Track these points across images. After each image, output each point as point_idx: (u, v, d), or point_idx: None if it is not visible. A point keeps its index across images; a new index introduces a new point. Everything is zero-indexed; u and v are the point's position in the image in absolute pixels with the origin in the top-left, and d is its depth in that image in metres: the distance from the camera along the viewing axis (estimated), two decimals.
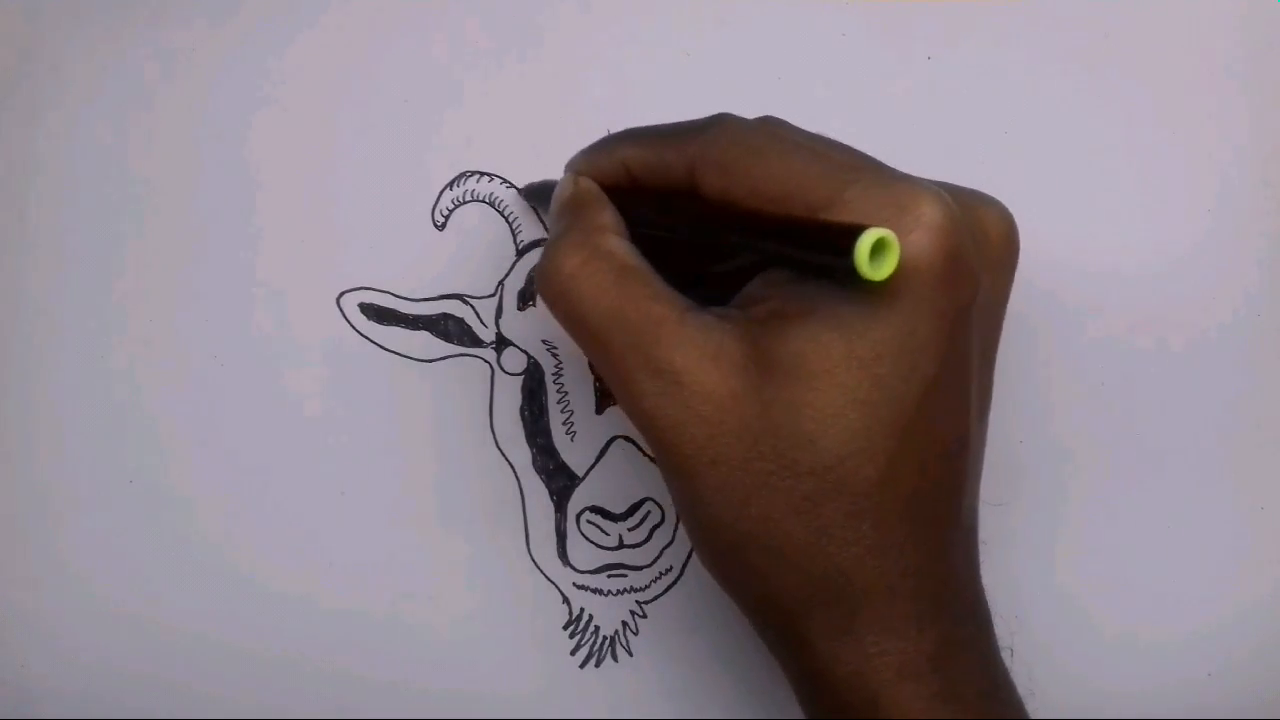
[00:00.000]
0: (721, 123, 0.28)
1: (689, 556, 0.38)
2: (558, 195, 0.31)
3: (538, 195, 0.37)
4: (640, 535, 0.37)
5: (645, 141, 0.30)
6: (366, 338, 0.38)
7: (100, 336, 0.38)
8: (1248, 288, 0.38)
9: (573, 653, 0.37)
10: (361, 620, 0.37)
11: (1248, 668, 0.37)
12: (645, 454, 0.37)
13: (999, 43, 0.39)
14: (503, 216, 0.38)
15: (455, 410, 0.38)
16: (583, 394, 0.38)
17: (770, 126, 0.28)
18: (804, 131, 0.28)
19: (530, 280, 0.38)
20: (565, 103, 0.39)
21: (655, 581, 0.38)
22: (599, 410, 0.38)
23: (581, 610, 0.38)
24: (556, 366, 0.38)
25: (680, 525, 0.37)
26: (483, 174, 0.38)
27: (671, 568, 0.37)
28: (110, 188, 0.39)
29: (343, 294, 0.38)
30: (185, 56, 0.39)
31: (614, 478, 0.37)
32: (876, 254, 0.23)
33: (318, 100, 0.39)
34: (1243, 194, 0.39)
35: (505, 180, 0.38)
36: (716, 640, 0.37)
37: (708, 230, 0.28)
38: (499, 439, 0.38)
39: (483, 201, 0.38)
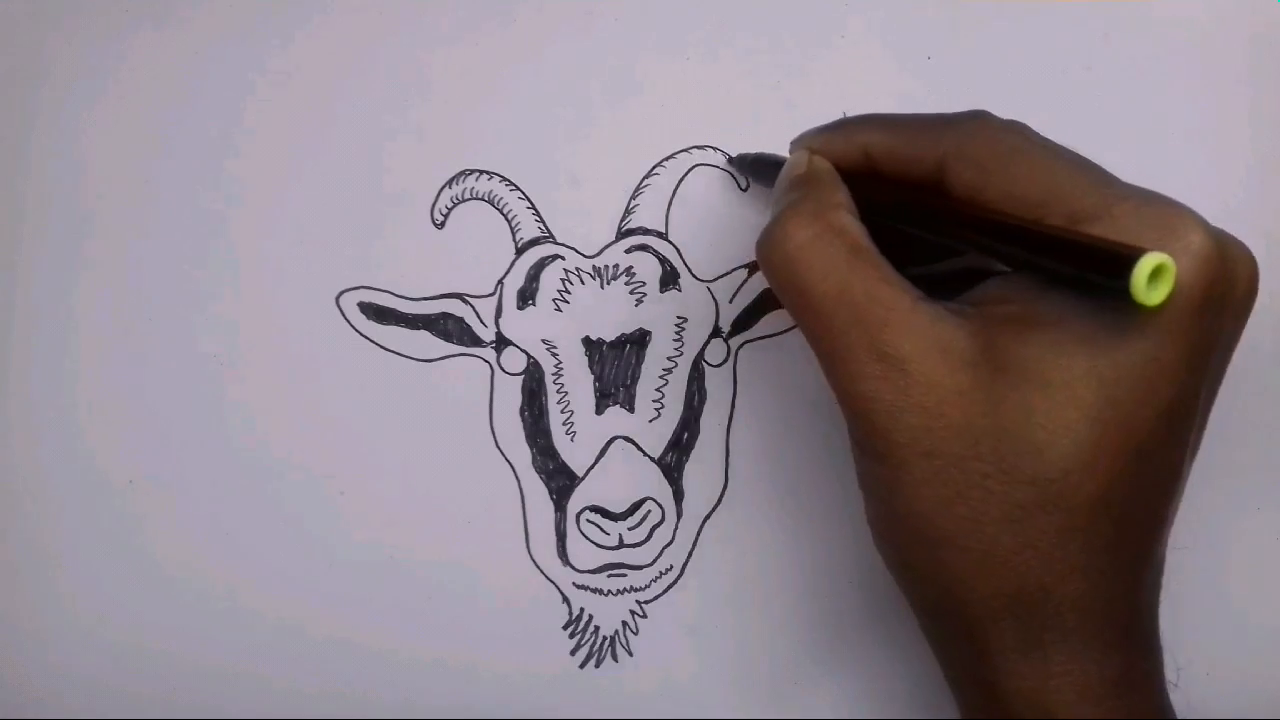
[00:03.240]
0: (980, 119, 0.28)
1: (689, 556, 0.38)
2: (790, 168, 0.31)
3: (751, 167, 0.37)
4: (640, 535, 0.37)
5: (894, 128, 0.29)
6: (366, 337, 0.38)
7: (100, 336, 0.38)
8: None
9: (573, 653, 0.37)
10: (360, 620, 0.37)
11: (1247, 667, 0.37)
12: (645, 454, 0.37)
13: (999, 43, 0.39)
14: (502, 214, 0.38)
15: (455, 410, 0.38)
16: (583, 394, 0.38)
17: (1025, 129, 0.27)
18: (1054, 142, 0.27)
19: (529, 279, 0.38)
20: (565, 102, 0.39)
21: (655, 581, 0.37)
22: (599, 410, 0.38)
23: (581, 610, 0.37)
24: (556, 366, 0.38)
25: (669, 523, 0.37)
26: (482, 172, 0.38)
27: (671, 567, 0.37)
28: (110, 187, 0.39)
29: (342, 293, 0.38)
30: (185, 56, 0.39)
31: (614, 477, 0.37)
32: (1150, 279, 0.22)
33: (317, 99, 0.39)
34: (1242, 195, 0.39)
35: (504, 178, 0.38)
36: (716, 640, 0.37)
37: (958, 228, 0.27)
38: (499, 439, 0.38)
39: (482, 199, 0.38)
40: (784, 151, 0.33)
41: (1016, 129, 0.27)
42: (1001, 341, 0.25)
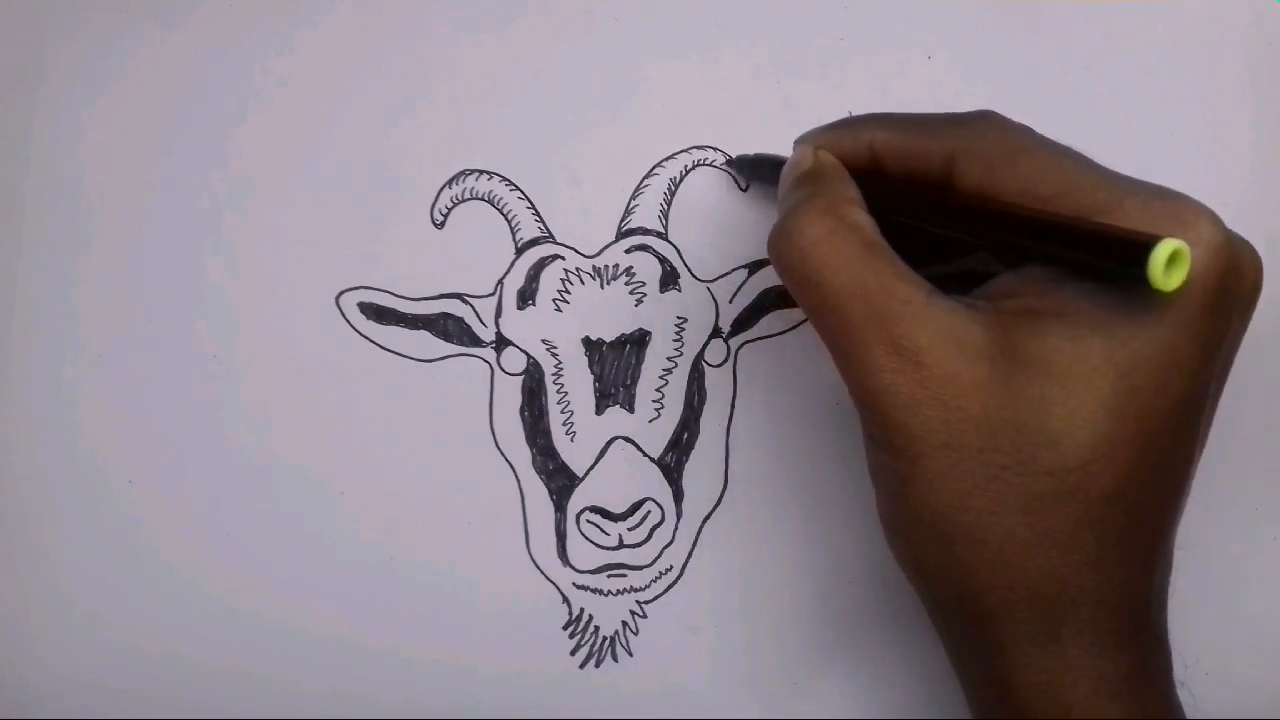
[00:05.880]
0: (988, 118, 0.28)
1: (689, 556, 0.38)
2: (796, 163, 0.31)
3: (750, 167, 0.37)
4: (640, 535, 0.37)
5: (900, 126, 0.29)
6: (366, 337, 0.38)
7: (100, 336, 0.38)
8: None
9: (573, 653, 0.37)
10: (360, 620, 0.37)
11: (1248, 668, 0.37)
12: (645, 454, 0.37)
13: (999, 43, 0.39)
14: (502, 214, 0.38)
15: (455, 410, 0.38)
16: (583, 394, 0.38)
17: (1031, 131, 0.28)
18: (1060, 143, 0.28)
19: (529, 278, 0.38)
20: (565, 102, 0.39)
21: (655, 581, 0.37)
22: (599, 410, 0.38)
23: (581, 610, 0.37)
24: (556, 366, 0.38)
25: (669, 523, 0.37)
26: (482, 172, 0.38)
27: (671, 567, 0.37)
28: (110, 187, 0.39)
29: (342, 293, 0.38)
30: (185, 55, 0.39)
31: (614, 478, 0.37)
32: (1166, 266, 0.22)
33: (317, 98, 0.39)
34: (1242, 195, 0.39)
35: (504, 178, 0.38)
36: (716, 640, 0.37)
37: (973, 223, 0.27)
38: (499, 439, 0.38)
39: (482, 199, 0.38)
40: (786, 151, 0.33)
41: (1024, 129, 0.28)
42: (1017, 334, 0.25)
